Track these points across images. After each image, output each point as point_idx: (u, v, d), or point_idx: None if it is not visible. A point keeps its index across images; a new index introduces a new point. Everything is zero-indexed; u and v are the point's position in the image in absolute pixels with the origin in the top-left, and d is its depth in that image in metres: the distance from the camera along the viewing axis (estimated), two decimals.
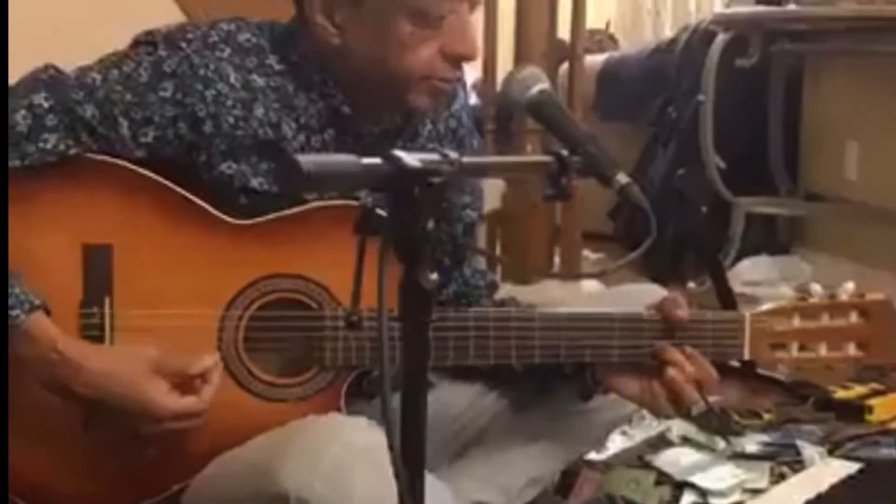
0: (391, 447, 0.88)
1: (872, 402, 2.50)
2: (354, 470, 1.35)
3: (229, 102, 1.52)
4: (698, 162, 4.03)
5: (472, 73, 3.78)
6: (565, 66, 3.46)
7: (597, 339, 1.58)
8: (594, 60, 4.82)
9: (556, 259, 3.31)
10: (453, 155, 1.00)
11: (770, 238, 4.31)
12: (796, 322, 1.62)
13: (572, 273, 3.25)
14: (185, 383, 1.45)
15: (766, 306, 1.63)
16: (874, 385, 2.59)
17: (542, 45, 3.18)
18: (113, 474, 1.50)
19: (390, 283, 0.95)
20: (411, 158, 0.94)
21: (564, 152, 1.34)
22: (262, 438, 1.48)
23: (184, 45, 1.52)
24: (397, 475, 0.89)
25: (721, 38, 4.09)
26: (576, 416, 1.78)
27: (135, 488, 1.51)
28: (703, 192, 3.79)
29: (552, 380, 1.73)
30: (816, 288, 1.64)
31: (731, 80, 4.08)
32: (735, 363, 2.62)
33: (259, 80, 1.54)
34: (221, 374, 1.48)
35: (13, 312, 1.40)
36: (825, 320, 1.63)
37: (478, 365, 1.73)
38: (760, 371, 2.64)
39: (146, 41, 1.54)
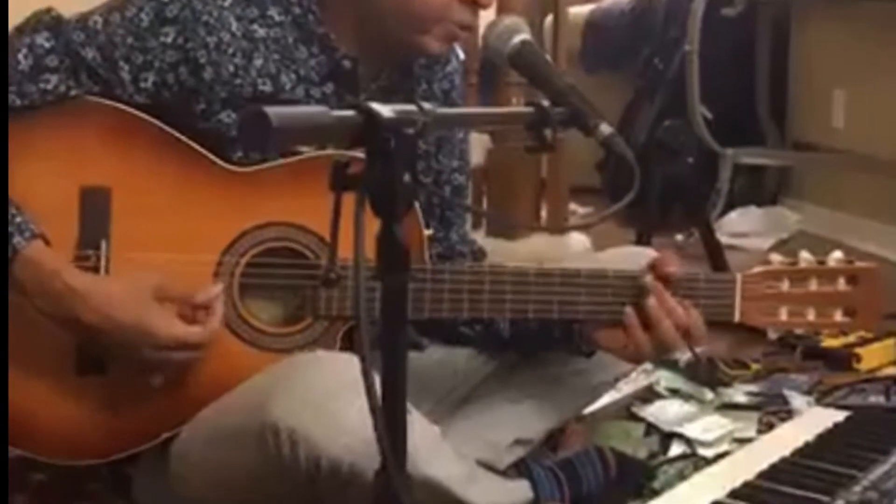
0: (369, 398, 0.87)
1: (860, 350, 2.51)
2: (344, 400, 1.35)
3: (230, 51, 1.52)
4: (685, 113, 4.01)
5: None
6: (550, 17, 3.43)
7: (590, 296, 1.57)
8: (579, 12, 4.78)
9: (543, 213, 3.29)
10: (427, 105, 0.98)
11: (757, 188, 4.30)
12: (786, 286, 1.63)
13: (559, 226, 3.24)
14: (188, 312, 1.45)
15: (756, 269, 1.63)
16: (862, 333, 2.59)
17: None
18: (103, 419, 1.51)
19: (371, 236, 0.94)
20: (385, 109, 0.93)
21: (546, 103, 1.33)
22: (249, 380, 1.48)
23: None
24: (376, 425, 0.87)
25: None
26: (565, 379, 1.79)
27: (125, 434, 1.51)
28: (689, 143, 3.78)
29: (541, 346, 1.72)
30: (805, 255, 1.64)
31: (717, 29, 4.05)
32: None
33: (260, 31, 1.54)
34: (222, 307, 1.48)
35: (14, 239, 1.41)
36: (814, 285, 1.64)
37: (467, 330, 1.74)
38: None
39: None
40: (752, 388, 2.37)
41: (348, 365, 1.38)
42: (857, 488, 1.38)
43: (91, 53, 1.49)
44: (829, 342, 2.55)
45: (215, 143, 1.53)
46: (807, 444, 1.56)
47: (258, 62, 1.53)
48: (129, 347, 1.44)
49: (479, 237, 2.14)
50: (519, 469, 1.81)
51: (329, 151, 1.51)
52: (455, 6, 1.52)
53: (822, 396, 2.32)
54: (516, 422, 1.79)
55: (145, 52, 1.50)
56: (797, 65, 4.22)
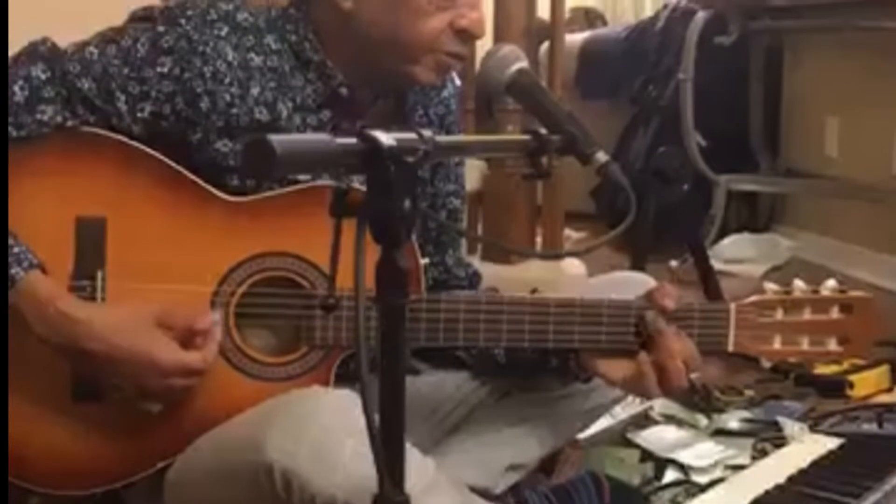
0: (368, 424, 0.88)
1: (853, 377, 2.51)
2: (340, 440, 1.35)
3: (227, 80, 1.52)
4: (679, 140, 4.04)
5: None
6: (546, 44, 3.45)
7: (585, 325, 1.57)
8: (575, 39, 4.82)
9: (539, 238, 3.30)
10: (428, 133, 1.00)
11: (751, 215, 4.32)
12: (780, 315, 1.62)
13: (554, 251, 3.25)
14: (187, 339, 1.45)
15: (751, 298, 1.62)
16: (855, 361, 2.60)
17: (521, 23, 3.16)
18: (99, 449, 1.50)
19: (371, 263, 0.95)
20: (386, 137, 0.94)
21: (543, 131, 1.34)
22: (245, 414, 1.48)
23: (183, 21, 1.51)
24: (375, 451, 0.88)
25: (700, 16, 4.09)
26: (560, 403, 1.79)
27: (120, 464, 1.51)
28: (683, 170, 3.79)
29: (536, 372, 1.72)
30: (799, 283, 1.64)
31: (711, 58, 4.08)
32: None
33: (256, 60, 1.54)
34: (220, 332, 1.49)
35: (13, 270, 1.40)
36: (808, 314, 1.63)
37: (464, 355, 1.75)
38: None
39: (143, 16, 1.54)
40: (746, 414, 2.38)
41: (344, 402, 1.39)
42: None
43: (87, 84, 1.49)
44: (822, 369, 2.56)
45: (212, 172, 1.53)
46: (801, 472, 1.57)
47: (255, 91, 1.53)
48: (132, 375, 1.43)
49: (475, 262, 2.15)
50: (513, 494, 1.81)
51: (326, 182, 1.52)
52: (445, 37, 1.52)
53: (816, 423, 2.32)
54: (511, 447, 1.79)
55: (142, 82, 1.50)
56: (790, 93, 4.25)
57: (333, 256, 0.98)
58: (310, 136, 0.96)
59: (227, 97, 1.52)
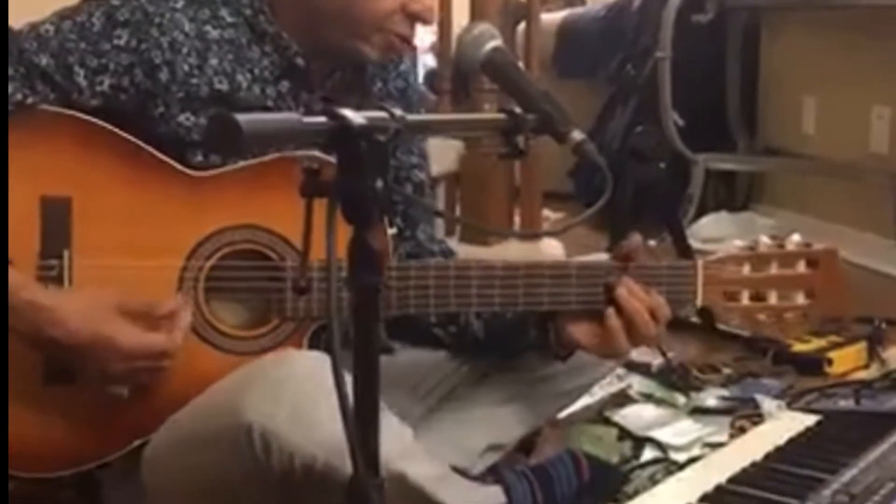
0: (341, 402, 0.87)
1: (831, 354, 2.52)
2: (316, 398, 1.35)
3: (185, 50, 1.52)
4: (657, 119, 4.03)
5: (428, 36, 3.75)
6: (523, 24, 3.44)
7: (554, 286, 1.58)
8: (552, 18, 4.80)
9: (517, 219, 3.30)
10: (399, 112, 0.99)
11: (728, 194, 4.33)
12: (746, 270, 1.65)
13: (532, 232, 3.25)
14: (151, 325, 1.44)
15: (717, 254, 1.66)
16: (833, 338, 2.61)
17: (497, 2, 3.15)
18: (73, 429, 1.50)
19: (343, 240, 0.94)
20: (357, 116, 0.93)
21: (518, 110, 1.33)
22: (222, 381, 1.47)
23: None
24: (348, 430, 0.88)
25: None
26: (540, 383, 1.79)
27: (96, 443, 1.50)
28: (661, 149, 3.79)
29: (516, 346, 1.73)
30: (765, 239, 1.66)
31: (689, 36, 4.07)
32: (694, 318, 2.65)
33: (213, 32, 1.55)
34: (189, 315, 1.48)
35: None
36: (774, 269, 1.66)
37: (441, 333, 1.74)
38: (719, 326, 2.66)
39: None
40: (724, 392, 2.38)
41: (319, 363, 1.38)
42: (828, 492, 1.39)
43: (45, 60, 1.48)
44: (800, 347, 2.57)
45: (175, 146, 1.52)
46: (778, 449, 1.57)
47: (213, 62, 1.53)
48: (93, 360, 1.43)
49: (453, 243, 2.14)
50: (491, 473, 1.81)
51: (292, 153, 1.50)
52: (396, 18, 1.53)
53: (793, 401, 2.33)
54: (490, 427, 1.80)
55: (99, 55, 1.49)
56: (768, 71, 4.25)
57: (305, 237, 0.97)
58: (277, 115, 0.95)
59: (186, 67, 1.52)
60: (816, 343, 2.58)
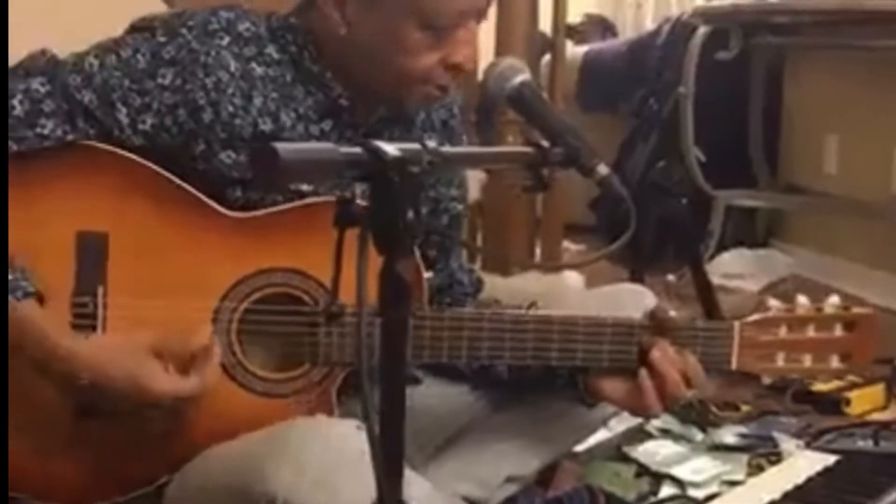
0: (371, 444, 0.88)
1: (850, 394, 2.51)
2: (342, 473, 1.34)
3: (230, 90, 1.51)
4: (678, 154, 4.04)
5: None
6: (547, 57, 3.46)
7: (588, 343, 1.58)
8: (576, 52, 4.82)
9: (538, 250, 3.30)
10: (432, 144, 1.00)
11: (749, 231, 4.32)
12: (783, 333, 1.62)
13: (553, 263, 3.25)
14: (184, 365, 1.44)
15: (754, 316, 1.62)
16: (852, 378, 2.60)
17: (523, 35, 3.17)
18: (102, 464, 1.49)
19: (374, 274, 0.95)
20: (390, 147, 0.94)
21: (545, 143, 1.34)
22: (249, 437, 1.47)
23: (184, 31, 1.50)
24: (378, 476, 0.88)
25: (702, 31, 4.09)
26: (556, 416, 1.79)
27: (122, 480, 1.50)
28: (683, 184, 3.80)
29: (540, 388, 1.72)
30: (802, 300, 1.63)
31: (712, 72, 4.08)
32: None
33: (258, 70, 1.53)
34: (219, 352, 1.47)
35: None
36: (811, 332, 1.63)
37: (464, 368, 1.74)
38: None
39: (144, 27, 1.53)
40: (742, 429, 2.38)
41: (348, 434, 1.39)
42: None
43: (88, 97, 1.47)
44: (819, 386, 2.56)
45: (215, 184, 1.52)
46: (796, 488, 1.57)
47: (258, 101, 1.52)
48: (124, 403, 1.42)
49: None
50: None
51: (329, 198, 1.51)
52: (436, 71, 1.51)
53: (812, 440, 2.32)
54: (509, 459, 1.79)
55: (143, 94, 1.48)
56: (790, 109, 4.26)
57: (336, 265, 0.98)
58: (314, 145, 0.96)
59: (230, 108, 1.51)
60: (835, 382, 2.57)
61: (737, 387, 2.56)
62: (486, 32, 3.25)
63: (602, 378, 1.62)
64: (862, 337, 1.62)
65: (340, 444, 1.38)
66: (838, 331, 1.63)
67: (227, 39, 1.52)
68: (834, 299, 1.64)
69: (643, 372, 1.57)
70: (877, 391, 2.56)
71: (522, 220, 3.21)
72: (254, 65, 1.53)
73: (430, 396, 1.75)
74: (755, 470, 2.14)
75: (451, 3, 1.47)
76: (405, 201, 0.94)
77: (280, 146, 0.88)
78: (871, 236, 3.75)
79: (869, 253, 3.73)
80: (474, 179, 3.14)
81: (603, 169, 1.43)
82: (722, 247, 4.12)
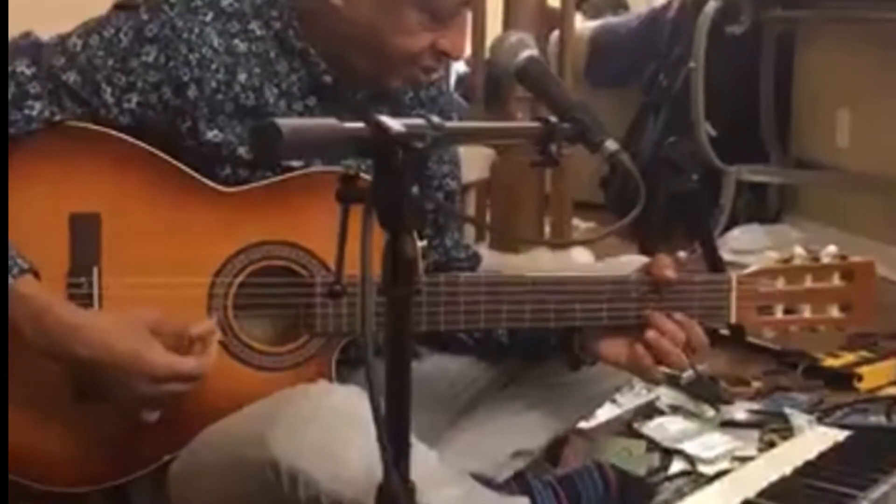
0: (374, 412, 0.87)
1: (861, 370, 2.51)
2: (345, 437, 1.34)
3: (213, 66, 1.51)
4: (689, 130, 4.02)
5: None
6: (557, 33, 3.44)
7: (585, 302, 1.57)
8: (585, 27, 4.80)
9: (547, 228, 3.30)
10: (437, 120, 0.99)
11: (760, 206, 4.31)
12: (781, 284, 1.62)
13: (562, 240, 3.24)
14: (182, 346, 1.44)
15: (751, 268, 1.63)
16: (863, 353, 2.59)
17: (531, 11, 3.15)
18: (104, 446, 1.49)
19: (376, 249, 0.94)
20: (395, 123, 0.93)
21: (552, 118, 1.33)
22: (250, 408, 1.47)
23: (166, 8, 1.50)
24: (380, 441, 0.88)
25: (712, 5, 4.07)
26: (564, 389, 1.78)
27: (126, 459, 1.50)
28: (693, 160, 3.78)
29: (540, 352, 1.72)
30: (799, 251, 1.64)
31: (722, 47, 4.06)
32: (724, 331, 2.64)
33: (241, 45, 1.53)
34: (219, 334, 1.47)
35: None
36: (809, 282, 1.63)
37: (465, 338, 1.74)
38: (749, 339, 2.64)
39: (127, 5, 1.52)
40: (754, 405, 2.38)
41: (349, 399, 1.38)
42: None
43: (73, 77, 1.47)
44: (831, 361, 2.56)
45: (203, 162, 1.51)
46: (807, 463, 1.57)
47: (242, 76, 1.52)
48: (124, 381, 1.41)
49: (483, 250, 2.14)
50: (518, 484, 1.81)
51: (319, 168, 1.51)
52: (426, 54, 1.52)
53: (824, 415, 2.32)
54: (516, 433, 1.79)
55: (127, 73, 1.48)
56: (801, 83, 4.23)
57: (340, 243, 0.97)
58: (316, 120, 0.95)
59: (214, 83, 1.51)
60: (847, 358, 2.57)
61: (747, 363, 2.56)
62: (494, 8, 3.26)
63: (599, 337, 1.62)
64: (860, 286, 1.62)
65: (342, 406, 1.38)
66: (836, 280, 1.63)
67: (210, 15, 1.52)
68: (831, 248, 1.64)
69: (639, 346, 1.56)
70: (889, 366, 2.55)
71: (531, 198, 3.20)
72: (237, 41, 1.53)
73: (436, 371, 1.75)
74: (767, 446, 2.14)
75: None
76: (409, 177, 0.93)
77: (283, 123, 0.87)
78: (883, 210, 3.73)
79: (881, 227, 3.71)
80: (484, 158, 3.13)
81: (612, 145, 1.42)
82: (733, 222, 4.11)
